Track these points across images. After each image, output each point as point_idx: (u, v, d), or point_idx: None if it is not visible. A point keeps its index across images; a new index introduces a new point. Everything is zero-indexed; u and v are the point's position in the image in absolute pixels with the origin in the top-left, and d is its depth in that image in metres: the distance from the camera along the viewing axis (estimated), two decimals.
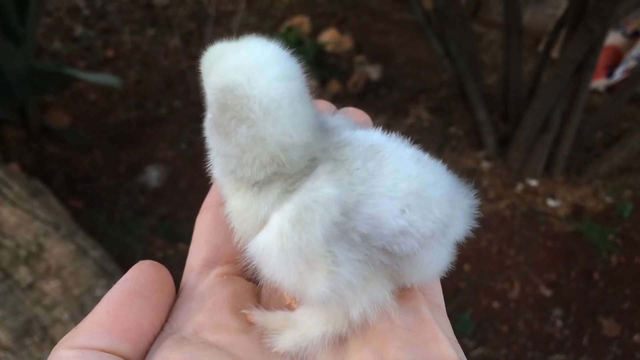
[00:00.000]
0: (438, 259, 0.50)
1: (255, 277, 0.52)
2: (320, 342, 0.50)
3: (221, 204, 0.55)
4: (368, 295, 0.48)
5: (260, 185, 0.47)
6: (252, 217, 0.47)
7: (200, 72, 0.51)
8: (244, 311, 0.52)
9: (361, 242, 0.45)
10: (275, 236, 0.44)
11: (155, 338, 0.48)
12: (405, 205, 0.45)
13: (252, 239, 0.47)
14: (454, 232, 0.50)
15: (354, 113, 0.67)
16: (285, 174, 0.46)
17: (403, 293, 0.53)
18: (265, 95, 0.44)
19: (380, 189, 0.45)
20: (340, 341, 0.51)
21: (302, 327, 0.51)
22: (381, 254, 0.47)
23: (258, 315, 0.52)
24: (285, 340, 0.50)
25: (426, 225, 0.46)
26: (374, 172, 0.46)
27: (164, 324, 0.50)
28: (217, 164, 0.50)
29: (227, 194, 0.50)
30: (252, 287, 0.57)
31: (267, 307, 0.54)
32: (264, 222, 0.47)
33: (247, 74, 0.44)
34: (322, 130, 0.49)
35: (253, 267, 0.49)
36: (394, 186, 0.45)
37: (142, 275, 0.51)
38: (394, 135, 0.52)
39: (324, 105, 0.69)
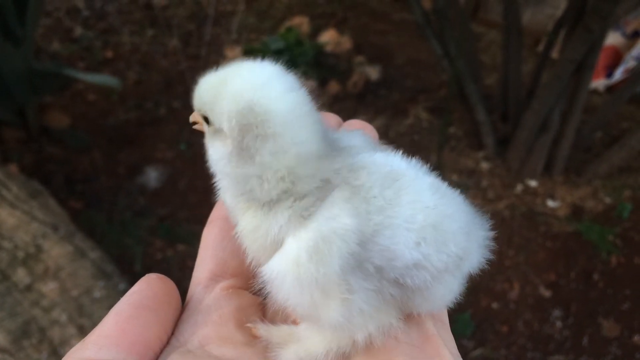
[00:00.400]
0: (450, 291, 0.51)
1: (261, 292, 0.52)
2: (323, 359, 0.50)
3: (227, 217, 0.56)
4: (375, 323, 0.48)
5: (270, 204, 0.47)
6: (263, 237, 0.48)
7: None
8: (249, 325, 0.52)
9: (375, 273, 0.45)
10: (291, 265, 0.44)
11: (161, 351, 0.48)
12: (421, 238, 0.44)
13: (265, 261, 0.48)
14: (468, 264, 0.50)
15: (362, 125, 0.67)
16: (296, 193, 0.46)
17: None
18: (282, 108, 0.45)
19: (398, 220, 0.44)
20: (344, 357, 0.51)
21: (306, 342, 0.51)
22: (392, 286, 0.47)
23: (263, 329, 0.52)
24: (289, 355, 0.51)
25: (440, 258, 0.46)
26: (391, 202, 0.45)
27: (170, 337, 0.50)
28: (229, 188, 0.50)
29: (237, 215, 0.51)
30: (257, 301, 0.57)
31: (272, 321, 0.54)
32: (274, 243, 0.47)
33: (259, 91, 0.45)
34: (335, 147, 0.49)
35: (267, 291, 0.49)
36: (411, 217, 0.45)
37: (149, 288, 0.51)
38: (413, 161, 0.51)
39: (332, 118, 0.68)
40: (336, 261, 0.43)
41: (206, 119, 0.50)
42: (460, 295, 0.53)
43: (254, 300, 0.57)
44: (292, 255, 0.45)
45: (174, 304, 0.52)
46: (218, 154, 0.49)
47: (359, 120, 0.68)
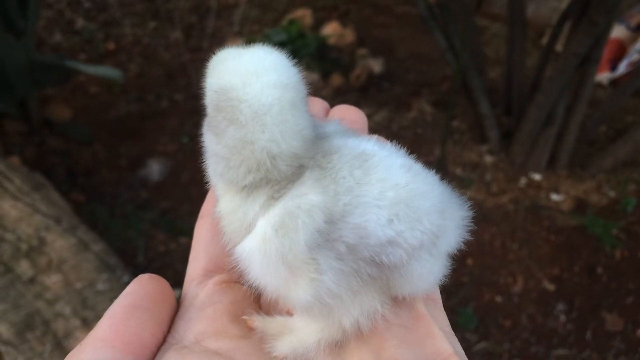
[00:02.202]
0: (429, 271, 0.50)
1: (246, 281, 0.53)
2: (315, 348, 0.51)
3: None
4: (358, 307, 0.48)
5: (248, 190, 0.48)
6: (239, 220, 0.48)
7: (202, 66, 0.51)
8: (244, 317, 0.53)
9: (348, 253, 0.45)
10: (258, 241, 0.45)
11: (158, 349, 0.49)
12: (393, 215, 0.44)
13: (239, 243, 0.48)
14: (445, 243, 0.50)
15: (347, 110, 0.67)
16: (273, 180, 0.47)
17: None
18: (257, 100, 0.45)
19: (367, 198, 0.44)
20: (337, 345, 0.51)
21: (299, 333, 0.52)
22: (369, 266, 0.47)
23: (258, 321, 0.53)
24: (283, 346, 0.51)
25: (414, 235, 0.45)
26: (360, 181, 0.45)
27: (166, 335, 0.51)
28: (210, 165, 0.51)
29: (219, 194, 0.51)
30: (251, 293, 0.57)
31: (268, 312, 0.55)
32: (250, 227, 0.48)
33: (243, 78, 0.45)
34: (314, 139, 0.49)
35: (239, 271, 0.49)
36: (381, 195, 0.45)
37: (142, 288, 0.51)
38: (388, 144, 0.51)
39: (318, 103, 0.68)
40: (301, 236, 0.43)
41: None
42: (445, 277, 0.52)
43: (248, 293, 0.57)
44: (259, 232, 0.45)
45: (168, 302, 0.52)
46: (203, 127, 0.50)
47: (345, 105, 0.68)
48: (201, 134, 0.52)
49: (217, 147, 0.47)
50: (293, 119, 0.47)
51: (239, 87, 0.45)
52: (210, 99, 0.47)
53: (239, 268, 0.49)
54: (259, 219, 0.46)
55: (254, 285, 0.49)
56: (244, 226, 0.48)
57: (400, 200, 0.45)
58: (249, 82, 0.45)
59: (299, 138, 0.47)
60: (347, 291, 0.47)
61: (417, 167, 0.49)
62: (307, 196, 0.45)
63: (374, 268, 0.47)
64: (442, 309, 0.56)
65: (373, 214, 0.44)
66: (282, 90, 0.46)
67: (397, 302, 0.52)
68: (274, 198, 0.46)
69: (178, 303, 0.55)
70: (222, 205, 0.50)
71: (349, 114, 0.66)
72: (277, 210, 0.45)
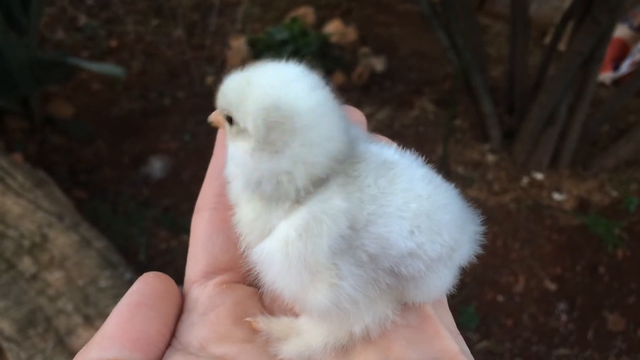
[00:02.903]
0: (443, 282, 0.51)
1: (257, 283, 0.53)
2: (322, 351, 0.51)
3: (215, 207, 0.57)
4: (372, 314, 0.49)
5: (276, 197, 0.48)
6: (260, 227, 0.48)
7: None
8: (248, 319, 0.53)
9: (369, 262, 0.46)
10: (280, 243, 0.45)
11: (165, 346, 0.49)
12: (415, 227, 0.45)
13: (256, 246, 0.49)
14: (459, 256, 0.51)
15: (348, 111, 0.68)
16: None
17: None
18: (308, 104, 0.46)
19: (391, 209, 0.45)
20: (343, 349, 0.51)
21: (306, 336, 0.52)
22: (388, 276, 0.47)
23: (263, 322, 0.52)
24: (289, 348, 0.51)
25: (434, 248, 0.46)
26: (384, 190, 0.46)
27: (171, 337, 0.51)
28: (244, 186, 0.49)
29: (238, 204, 0.51)
30: (253, 293, 0.57)
31: (271, 312, 0.55)
32: (270, 231, 0.48)
33: (285, 89, 0.46)
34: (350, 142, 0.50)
35: (255, 273, 0.50)
36: (405, 205, 0.45)
37: (147, 286, 0.52)
38: (407, 152, 0.52)
39: (356, 113, 0.69)
40: (325, 240, 0.44)
41: (229, 119, 0.49)
42: (454, 287, 0.53)
43: (250, 292, 0.57)
44: (282, 235, 0.46)
45: (173, 299, 0.53)
46: (240, 152, 0.48)
47: (345, 106, 0.69)
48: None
49: (278, 163, 0.46)
50: (340, 115, 0.49)
51: (285, 98, 0.45)
52: (259, 120, 0.46)
53: (255, 270, 0.49)
54: (280, 222, 0.47)
55: (269, 289, 0.49)
56: (266, 232, 0.48)
57: (423, 212, 0.46)
58: (291, 92, 0.46)
59: (346, 131, 0.48)
60: (364, 298, 0.47)
61: (438, 179, 0.50)
62: (332, 201, 0.45)
63: (392, 278, 0.47)
64: (448, 309, 0.56)
65: (396, 225, 0.45)
66: (321, 92, 0.48)
67: (404, 306, 0.52)
68: (298, 202, 0.46)
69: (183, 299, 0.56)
70: (244, 212, 0.50)
71: (350, 115, 0.66)
72: (301, 214, 0.45)
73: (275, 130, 0.45)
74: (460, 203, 0.51)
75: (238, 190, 0.51)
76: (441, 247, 0.47)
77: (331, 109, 0.48)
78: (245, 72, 0.49)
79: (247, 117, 0.47)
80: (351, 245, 0.45)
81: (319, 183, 0.47)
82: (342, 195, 0.45)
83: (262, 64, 0.50)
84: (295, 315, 0.54)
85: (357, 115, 0.66)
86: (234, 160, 0.49)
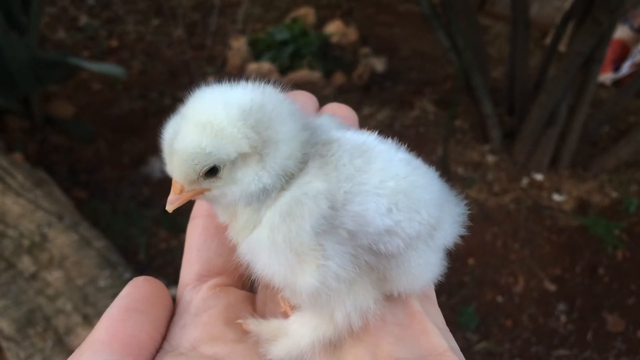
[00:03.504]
0: (425, 263, 0.51)
1: (250, 285, 0.54)
2: (310, 350, 0.51)
3: (210, 214, 0.58)
4: (352, 300, 0.49)
5: (265, 195, 0.49)
6: (252, 224, 0.49)
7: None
8: (239, 321, 0.53)
9: (349, 239, 0.47)
10: (266, 230, 0.47)
11: (156, 350, 0.50)
12: (392, 204, 0.46)
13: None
14: (441, 237, 0.52)
15: (338, 107, 0.68)
16: (287, 176, 0.49)
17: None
18: (276, 107, 0.49)
19: (367, 187, 0.46)
20: (333, 347, 0.52)
21: (293, 336, 0.52)
22: (367, 253, 0.48)
23: (253, 324, 0.53)
24: (277, 349, 0.52)
25: (412, 226, 0.47)
26: (360, 169, 0.47)
27: (163, 340, 0.51)
28: (241, 200, 0.50)
29: (233, 219, 0.52)
30: (246, 296, 0.58)
31: (263, 316, 0.55)
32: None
33: (262, 98, 0.50)
34: (309, 127, 0.52)
35: (246, 264, 0.50)
36: (381, 184, 0.46)
37: (137, 291, 0.52)
38: (389, 140, 0.53)
39: (305, 96, 0.69)
40: (308, 222, 0.45)
41: (212, 170, 0.49)
42: (446, 276, 0.54)
43: (243, 296, 0.57)
44: (267, 222, 0.47)
45: (164, 303, 0.53)
46: (247, 178, 0.49)
47: (336, 103, 0.69)
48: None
49: (266, 171, 0.48)
50: (296, 109, 0.51)
51: (259, 106, 0.48)
52: (257, 136, 0.48)
53: (245, 262, 0.50)
54: (266, 212, 0.48)
55: (260, 277, 0.49)
56: (256, 225, 0.49)
57: (400, 190, 0.47)
58: (268, 98, 0.49)
59: (304, 124, 0.51)
60: (348, 272, 0.48)
61: (417, 162, 0.51)
62: (311, 184, 0.47)
63: (371, 256, 0.48)
64: (437, 305, 0.57)
65: (372, 203, 0.46)
66: (273, 93, 0.51)
67: (392, 299, 0.53)
68: (283, 189, 0.48)
69: (175, 302, 0.56)
70: (238, 225, 0.51)
71: (340, 111, 0.67)
72: (284, 200, 0.47)
73: (263, 132, 0.47)
74: (441, 184, 0.52)
75: (236, 210, 0.51)
76: (419, 224, 0.47)
77: (288, 105, 0.51)
78: (181, 128, 0.50)
79: (240, 143, 0.47)
80: (332, 224, 0.46)
81: (299, 167, 0.49)
82: (321, 177, 0.47)
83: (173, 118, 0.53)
84: (285, 317, 0.55)
85: (347, 112, 0.67)
86: (243, 188, 0.49)
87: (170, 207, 0.52)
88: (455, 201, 0.54)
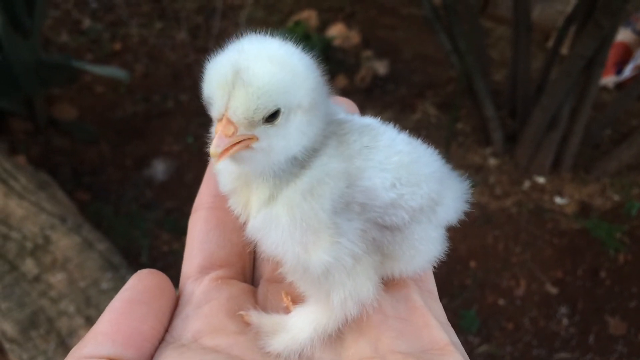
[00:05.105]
0: (428, 237, 0.53)
1: (252, 278, 0.55)
2: (310, 344, 0.52)
3: (212, 206, 0.59)
4: (352, 282, 0.50)
5: (287, 170, 0.50)
6: (268, 199, 0.50)
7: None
8: (241, 313, 0.54)
9: (360, 212, 0.49)
10: (285, 207, 0.47)
11: (159, 342, 0.50)
12: (396, 179, 0.48)
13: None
14: (444, 212, 0.54)
15: (341, 100, 0.70)
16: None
17: (395, 282, 0.55)
18: (309, 79, 0.50)
19: (374, 162, 0.48)
20: (336, 335, 0.53)
21: (292, 330, 0.53)
22: (374, 228, 0.50)
23: (255, 316, 0.54)
24: (276, 343, 0.52)
25: (414, 199, 0.49)
26: (368, 145, 0.50)
27: (165, 332, 0.52)
28: (273, 160, 0.49)
29: (243, 191, 0.52)
30: (247, 289, 0.58)
31: (264, 309, 0.56)
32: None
33: (297, 57, 0.50)
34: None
35: (253, 242, 0.51)
36: (386, 159, 0.49)
37: (141, 283, 0.53)
38: (390, 124, 0.55)
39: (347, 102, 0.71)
40: (328, 200, 0.47)
41: (274, 115, 0.46)
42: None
43: (245, 288, 0.58)
44: (286, 200, 0.48)
45: (167, 295, 0.54)
46: (294, 135, 0.48)
47: (340, 97, 0.70)
48: (209, 131, 0.52)
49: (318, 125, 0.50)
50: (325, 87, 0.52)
51: (290, 78, 0.47)
52: (316, 91, 0.49)
53: (253, 239, 0.51)
54: (284, 190, 0.49)
55: (269, 254, 0.50)
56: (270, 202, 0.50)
57: (403, 165, 0.49)
58: (295, 72, 0.47)
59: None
60: (360, 247, 0.49)
61: (418, 142, 0.54)
62: (331, 164, 0.48)
63: (378, 232, 0.50)
64: (438, 300, 0.57)
65: (378, 178, 0.48)
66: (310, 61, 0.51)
67: (393, 293, 0.54)
68: (303, 167, 0.49)
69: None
70: (253, 199, 0.51)
71: (342, 102, 0.68)
72: (305, 178, 0.48)
73: (317, 92, 0.49)
74: (440, 161, 0.55)
75: (252, 184, 0.51)
76: (421, 198, 0.50)
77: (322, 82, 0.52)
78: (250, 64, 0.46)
79: (300, 94, 0.47)
80: (346, 201, 0.48)
81: (319, 144, 0.50)
82: (339, 157, 0.49)
83: (243, 47, 0.48)
84: (287, 312, 0.56)
85: (348, 104, 0.68)
86: (291, 141, 0.48)
87: (216, 150, 0.45)
88: (457, 178, 0.56)
